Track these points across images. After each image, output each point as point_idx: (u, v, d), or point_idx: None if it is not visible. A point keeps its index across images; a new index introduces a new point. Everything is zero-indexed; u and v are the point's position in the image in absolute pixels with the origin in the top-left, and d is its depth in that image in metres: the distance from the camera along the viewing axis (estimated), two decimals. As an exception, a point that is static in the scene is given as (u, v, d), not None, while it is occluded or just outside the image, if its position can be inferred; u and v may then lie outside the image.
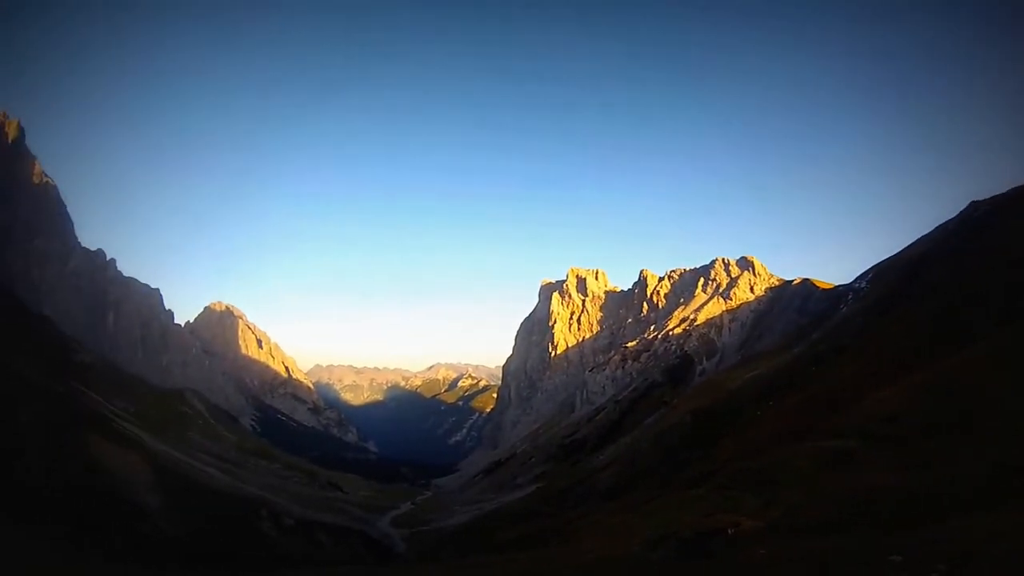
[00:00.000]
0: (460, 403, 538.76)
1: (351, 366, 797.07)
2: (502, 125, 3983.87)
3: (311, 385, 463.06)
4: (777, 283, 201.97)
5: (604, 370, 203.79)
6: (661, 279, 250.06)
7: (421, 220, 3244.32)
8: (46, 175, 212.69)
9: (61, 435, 66.84)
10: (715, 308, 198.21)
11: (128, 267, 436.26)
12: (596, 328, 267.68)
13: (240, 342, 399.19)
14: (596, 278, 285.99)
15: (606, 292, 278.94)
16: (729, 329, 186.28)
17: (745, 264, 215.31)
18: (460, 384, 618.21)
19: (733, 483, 44.96)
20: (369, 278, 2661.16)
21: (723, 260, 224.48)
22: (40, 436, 61.46)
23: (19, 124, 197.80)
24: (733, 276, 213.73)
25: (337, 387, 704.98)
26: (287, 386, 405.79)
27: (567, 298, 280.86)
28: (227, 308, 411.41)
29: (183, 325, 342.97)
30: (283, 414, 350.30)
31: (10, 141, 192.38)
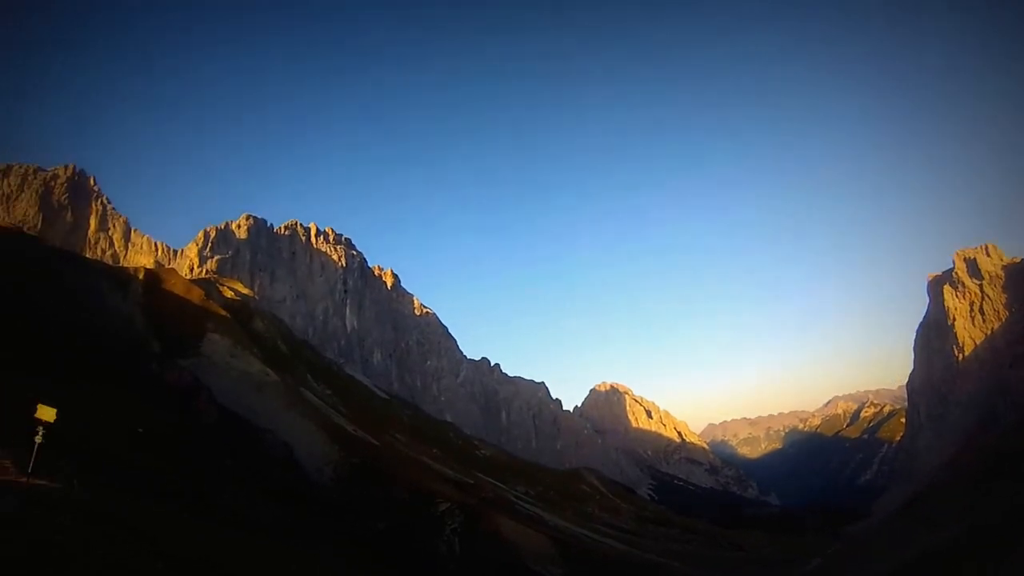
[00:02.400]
0: (865, 436, 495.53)
1: (744, 418, 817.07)
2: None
3: (705, 445, 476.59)
4: None
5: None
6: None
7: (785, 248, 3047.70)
8: (424, 306, 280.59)
9: (474, 518, 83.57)
10: None
11: (513, 368, 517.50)
12: (1003, 314, 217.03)
13: (629, 416, 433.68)
14: (987, 254, 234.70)
15: (1004, 267, 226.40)
16: None
17: None
18: (862, 415, 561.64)
19: None
20: (753, 329, 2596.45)
21: None
22: (456, 520, 78.86)
23: (393, 272, 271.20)
24: None
25: (733, 442, 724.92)
26: (681, 451, 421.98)
27: (960, 288, 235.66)
28: (612, 387, 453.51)
29: (572, 410, 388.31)
30: (680, 479, 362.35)
31: (390, 287, 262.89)
